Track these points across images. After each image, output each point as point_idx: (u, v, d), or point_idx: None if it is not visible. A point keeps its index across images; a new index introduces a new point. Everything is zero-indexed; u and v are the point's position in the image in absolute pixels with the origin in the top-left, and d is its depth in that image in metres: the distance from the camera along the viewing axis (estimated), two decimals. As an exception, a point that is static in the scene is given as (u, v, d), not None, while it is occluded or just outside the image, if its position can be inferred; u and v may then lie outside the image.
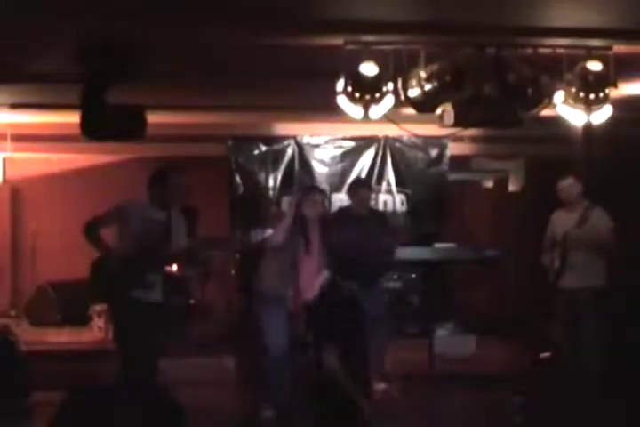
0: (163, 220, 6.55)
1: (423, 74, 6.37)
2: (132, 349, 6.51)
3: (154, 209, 6.57)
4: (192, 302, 9.66)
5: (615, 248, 7.60)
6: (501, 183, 12.08)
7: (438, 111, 6.68)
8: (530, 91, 6.52)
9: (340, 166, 10.71)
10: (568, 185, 7.69)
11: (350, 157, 10.75)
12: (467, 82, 6.44)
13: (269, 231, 7.34)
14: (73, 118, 6.91)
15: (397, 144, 10.80)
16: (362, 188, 8.20)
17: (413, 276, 10.55)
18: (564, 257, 7.63)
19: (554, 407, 7.25)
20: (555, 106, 6.66)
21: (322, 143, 10.72)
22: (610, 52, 6.49)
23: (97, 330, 9.49)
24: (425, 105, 6.58)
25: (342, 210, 8.42)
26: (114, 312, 6.77)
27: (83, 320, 9.68)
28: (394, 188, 10.78)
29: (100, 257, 6.62)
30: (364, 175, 10.65)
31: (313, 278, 7.17)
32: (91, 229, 6.55)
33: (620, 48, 6.49)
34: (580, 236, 7.56)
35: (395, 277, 10.40)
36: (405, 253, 8.80)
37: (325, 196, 7.93)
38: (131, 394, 4.95)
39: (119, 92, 6.61)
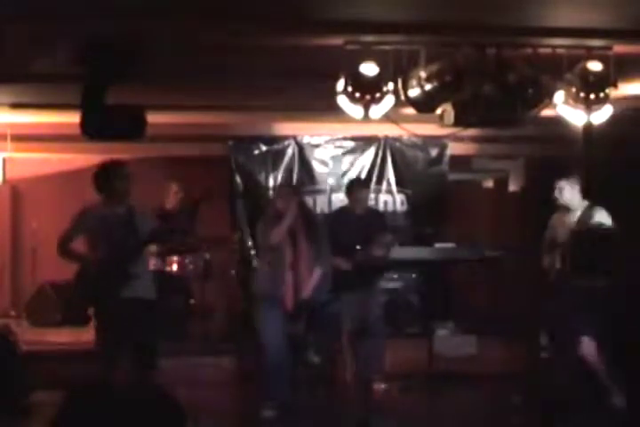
0: (120, 214, 6.65)
1: (423, 74, 6.37)
2: (119, 349, 6.57)
3: (110, 206, 6.68)
4: (192, 301, 9.65)
5: (615, 248, 7.60)
6: (501, 183, 12.08)
7: (438, 111, 6.68)
8: (530, 91, 6.52)
9: (340, 166, 10.71)
10: (558, 187, 7.70)
11: (350, 156, 10.75)
12: (467, 82, 6.44)
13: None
14: (73, 118, 6.91)
15: (397, 144, 10.80)
16: (359, 188, 8.20)
17: (413, 276, 10.55)
18: (565, 257, 7.63)
19: (554, 407, 7.25)
20: (555, 106, 6.66)
21: (322, 143, 10.72)
22: (610, 52, 6.49)
23: (97, 330, 9.48)
24: (425, 105, 6.58)
25: (341, 209, 8.43)
26: (105, 314, 6.78)
27: (83, 320, 9.66)
28: (394, 188, 10.78)
29: (80, 267, 6.70)
30: (364, 175, 10.65)
31: (307, 277, 7.17)
32: (62, 247, 6.70)
33: (619, 48, 6.49)
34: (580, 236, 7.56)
35: (395, 277, 10.40)
36: (405, 253, 8.80)
37: (297, 192, 7.91)
38: (128, 394, 4.98)
39: (119, 92, 6.61)
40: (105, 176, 6.75)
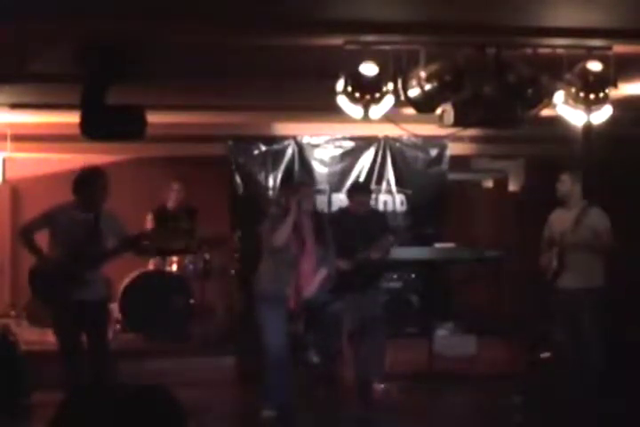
0: (89, 220, 6.77)
1: (423, 74, 6.36)
2: (72, 349, 6.64)
3: (80, 211, 6.78)
4: (192, 301, 9.65)
5: (612, 248, 7.61)
6: (501, 183, 12.07)
7: (438, 111, 6.68)
8: (530, 91, 6.51)
9: (339, 166, 10.71)
10: (562, 180, 7.72)
11: (350, 157, 10.75)
12: (467, 82, 6.44)
13: None
14: (73, 118, 6.91)
15: (397, 144, 10.80)
16: (360, 192, 8.20)
17: (413, 276, 10.55)
18: (562, 257, 7.64)
19: (554, 407, 7.26)
20: (555, 106, 6.66)
21: (322, 143, 10.72)
22: (610, 52, 6.49)
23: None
24: (425, 105, 6.58)
25: (342, 210, 8.42)
26: (54, 314, 6.88)
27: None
28: (394, 188, 10.78)
29: (36, 263, 6.78)
30: (363, 175, 10.65)
31: (311, 276, 7.16)
32: (24, 236, 6.89)
33: (619, 48, 6.48)
34: (576, 235, 7.57)
35: (395, 277, 10.40)
36: (405, 253, 8.80)
37: (314, 189, 7.92)
38: (104, 392, 5.02)
39: (119, 92, 6.61)
40: (85, 182, 6.85)
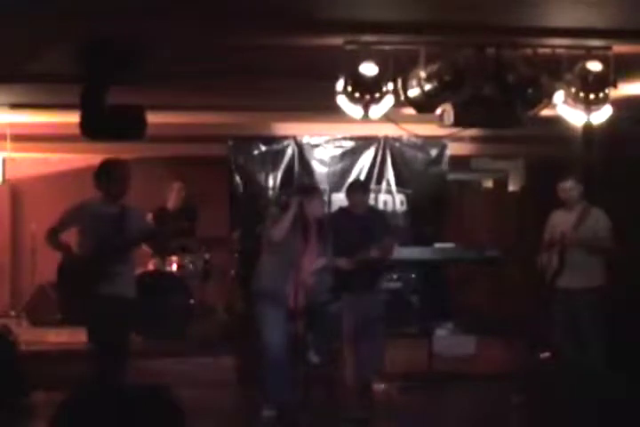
0: (115, 212, 6.75)
1: (423, 74, 6.37)
2: (102, 345, 6.59)
3: (105, 204, 6.78)
4: (192, 301, 9.65)
5: (613, 248, 7.61)
6: (501, 183, 12.08)
7: (438, 111, 6.68)
8: (530, 91, 6.52)
9: (339, 166, 10.71)
10: (568, 187, 7.70)
11: (350, 156, 10.75)
12: (467, 82, 6.45)
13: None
14: (73, 118, 6.91)
15: (397, 144, 10.80)
16: (357, 191, 8.19)
17: (413, 276, 10.55)
18: (562, 257, 7.64)
19: (554, 407, 7.25)
20: (555, 106, 6.67)
21: (322, 143, 10.72)
22: (610, 52, 6.50)
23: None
24: (425, 105, 6.59)
25: (342, 209, 8.42)
26: (82, 310, 6.84)
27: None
28: (394, 188, 10.78)
29: (64, 260, 6.76)
30: (363, 175, 10.65)
31: (311, 275, 7.16)
32: (51, 237, 6.80)
33: (619, 48, 6.49)
34: (577, 235, 7.57)
35: (395, 277, 10.40)
36: (405, 253, 8.81)
37: (322, 193, 7.94)
38: (103, 392, 5.01)
39: (119, 92, 6.61)
40: (103, 173, 6.81)
